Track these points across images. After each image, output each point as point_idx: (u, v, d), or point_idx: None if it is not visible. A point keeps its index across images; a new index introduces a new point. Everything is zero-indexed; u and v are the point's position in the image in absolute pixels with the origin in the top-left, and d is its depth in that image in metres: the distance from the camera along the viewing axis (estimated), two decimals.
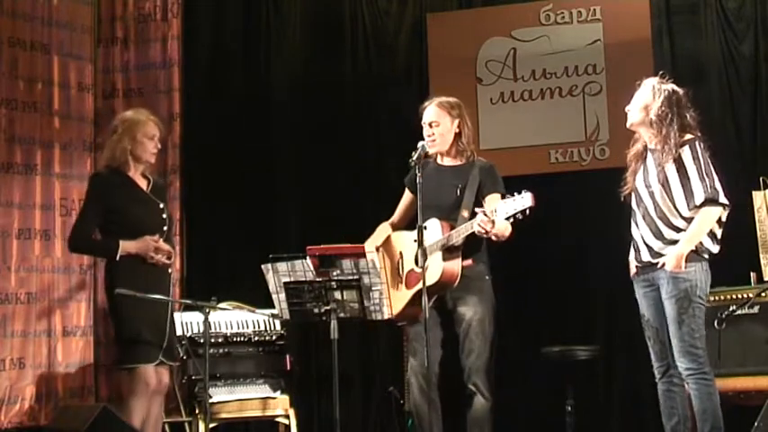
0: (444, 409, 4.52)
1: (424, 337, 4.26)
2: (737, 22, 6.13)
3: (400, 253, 4.56)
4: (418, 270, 4.37)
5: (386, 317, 4.25)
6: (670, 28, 6.23)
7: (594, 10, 6.36)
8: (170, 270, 4.65)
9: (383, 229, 4.79)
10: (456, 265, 4.42)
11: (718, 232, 4.22)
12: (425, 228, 4.31)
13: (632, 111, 4.34)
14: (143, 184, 4.67)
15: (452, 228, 4.44)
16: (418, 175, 4.30)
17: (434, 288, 4.37)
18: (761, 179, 5.32)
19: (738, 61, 6.10)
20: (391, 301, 4.29)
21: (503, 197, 4.47)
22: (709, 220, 4.14)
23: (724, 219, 4.21)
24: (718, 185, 4.15)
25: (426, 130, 4.62)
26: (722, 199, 4.14)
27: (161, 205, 4.68)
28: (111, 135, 4.69)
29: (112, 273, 4.56)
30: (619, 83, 6.14)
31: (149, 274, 4.52)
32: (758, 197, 5.30)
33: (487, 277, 4.54)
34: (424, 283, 4.19)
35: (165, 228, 4.65)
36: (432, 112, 4.63)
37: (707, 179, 4.13)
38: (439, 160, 4.67)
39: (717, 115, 6.04)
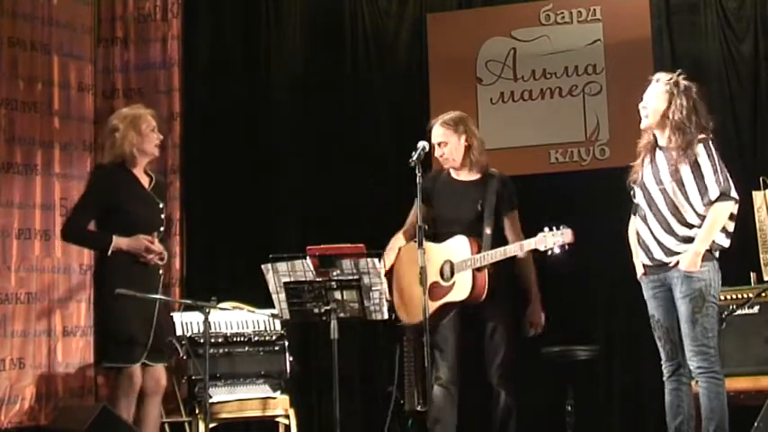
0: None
1: (444, 332, 4.47)
2: (737, 22, 6.12)
3: None
4: (444, 283, 4.50)
5: (386, 317, 4.27)
6: (670, 28, 6.23)
7: (594, 10, 6.36)
8: (161, 272, 4.61)
9: (396, 241, 4.86)
10: (484, 282, 4.52)
11: (730, 226, 4.21)
12: (418, 234, 4.34)
13: (649, 113, 4.27)
14: (145, 181, 4.64)
15: (479, 245, 4.55)
16: (418, 175, 4.32)
17: (461, 303, 4.51)
18: (761, 179, 5.32)
19: (738, 61, 6.10)
20: (413, 309, 4.36)
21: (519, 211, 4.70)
22: (723, 215, 4.13)
23: (735, 212, 4.21)
24: (729, 180, 4.15)
25: (437, 151, 4.73)
26: (733, 193, 4.14)
27: (161, 205, 4.65)
28: (111, 134, 4.62)
29: (102, 270, 4.56)
30: (619, 83, 6.15)
31: (141, 273, 4.48)
32: (758, 197, 5.30)
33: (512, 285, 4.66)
34: (425, 285, 4.20)
35: (162, 228, 4.63)
36: (438, 132, 4.74)
37: (720, 174, 4.13)
38: (454, 174, 4.75)
39: (717, 115, 5.98)
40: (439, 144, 4.71)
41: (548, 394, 5.81)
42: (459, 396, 4.68)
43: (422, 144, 4.50)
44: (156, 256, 4.50)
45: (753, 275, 5.16)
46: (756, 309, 4.96)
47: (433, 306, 4.48)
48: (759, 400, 4.26)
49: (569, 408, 5.51)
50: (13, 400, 6.01)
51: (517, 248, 4.49)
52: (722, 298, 4.92)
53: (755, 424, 3.96)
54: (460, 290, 4.50)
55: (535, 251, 4.49)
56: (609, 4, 6.34)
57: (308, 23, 6.81)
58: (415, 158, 4.41)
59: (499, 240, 4.63)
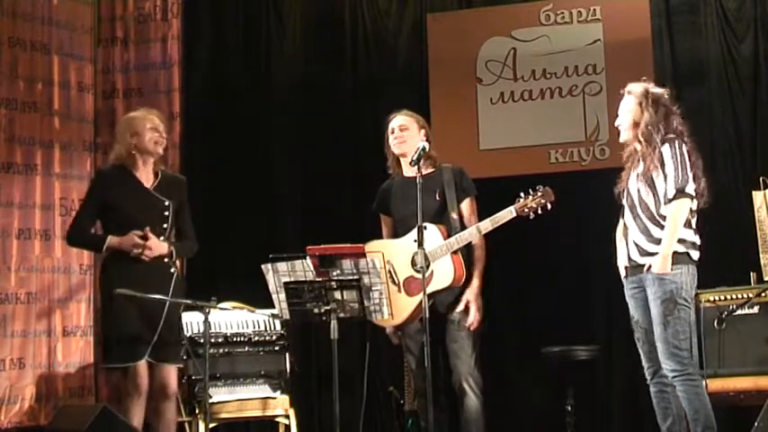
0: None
1: (419, 339, 4.38)
2: (737, 22, 6.12)
3: (387, 261, 4.50)
4: (420, 275, 4.39)
5: (386, 317, 4.26)
6: (670, 28, 6.23)
7: (594, 10, 6.36)
8: (172, 270, 4.61)
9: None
10: (462, 266, 4.50)
11: (693, 221, 4.25)
12: (425, 227, 4.33)
13: (622, 128, 4.37)
14: (149, 180, 4.65)
15: (447, 229, 4.51)
16: (418, 175, 4.32)
17: (444, 290, 4.46)
18: (761, 179, 5.32)
19: (738, 61, 6.10)
20: (392, 310, 4.31)
21: (476, 200, 4.65)
22: (681, 212, 4.16)
23: (694, 208, 4.24)
24: (689, 177, 4.18)
25: (396, 134, 4.72)
26: (689, 189, 4.17)
27: (166, 203, 4.63)
28: (115, 137, 4.75)
29: (104, 270, 4.60)
30: (619, 83, 6.07)
31: (146, 273, 4.48)
32: (758, 197, 5.30)
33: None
34: (423, 281, 4.20)
35: (166, 225, 4.61)
36: (400, 118, 4.77)
37: (680, 172, 4.17)
38: (407, 173, 4.70)
39: (717, 115, 6.05)
40: (401, 128, 4.72)
41: (548, 394, 5.82)
42: (447, 400, 4.64)
43: (421, 144, 4.51)
44: (147, 251, 4.46)
45: (753, 275, 5.16)
46: (756, 309, 4.96)
47: (414, 301, 4.45)
48: (759, 400, 4.26)
49: (569, 408, 5.51)
50: (13, 400, 6.01)
51: (488, 224, 4.45)
52: (722, 298, 4.95)
53: (756, 424, 3.97)
54: (442, 276, 4.45)
55: (517, 218, 4.46)
56: (609, 4, 6.35)
57: (308, 23, 6.81)
58: (414, 158, 4.42)
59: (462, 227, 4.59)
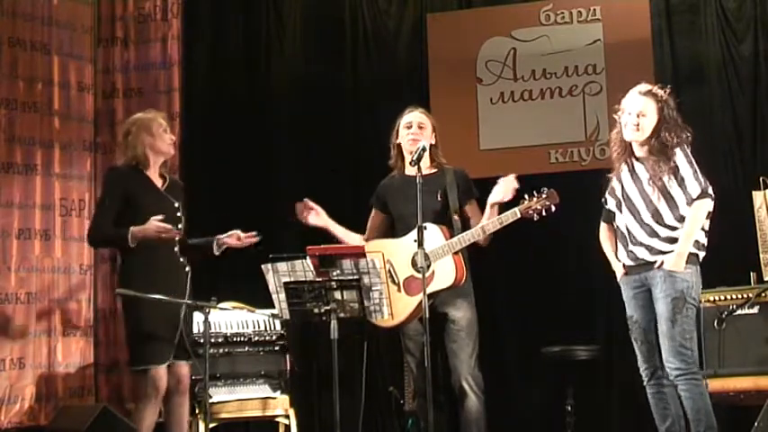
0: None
1: (418, 339, 4.40)
2: (737, 22, 6.13)
3: (387, 261, 4.50)
4: (420, 275, 4.37)
5: (386, 317, 4.26)
6: (670, 28, 6.23)
7: (594, 10, 6.37)
8: (187, 269, 4.62)
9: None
10: (463, 267, 4.50)
11: (706, 224, 4.27)
12: (425, 227, 4.33)
13: (644, 127, 4.26)
14: (159, 182, 4.68)
15: (450, 230, 4.50)
16: (418, 175, 4.32)
17: (445, 290, 4.46)
18: (761, 179, 5.32)
19: (738, 61, 6.10)
20: (392, 310, 4.31)
21: (477, 201, 4.66)
22: (703, 212, 4.19)
23: (711, 210, 4.25)
24: (706, 179, 4.22)
25: (413, 129, 4.69)
26: (710, 191, 4.21)
27: (176, 204, 4.67)
28: (124, 138, 4.69)
29: (124, 273, 4.58)
30: (619, 83, 6.12)
31: (165, 274, 4.51)
32: (758, 197, 5.31)
33: (470, 281, 4.62)
34: (423, 282, 4.20)
35: (180, 226, 4.64)
36: (420, 116, 4.76)
37: (699, 175, 4.20)
38: (408, 171, 4.70)
39: (717, 115, 6.05)
40: (420, 125, 4.70)
41: (548, 394, 5.82)
42: (447, 400, 4.65)
43: (421, 144, 4.51)
44: (168, 231, 4.46)
45: (753, 275, 5.16)
46: (756, 309, 4.96)
47: (414, 301, 4.45)
48: (759, 400, 4.27)
49: (569, 408, 5.51)
50: (13, 400, 6.02)
51: (496, 223, 4.44)
52: (722, 298, 4.95)
53: (756, 424, 3.97)
54: (444, 277, 4.45)
55: (521, 220, 4.45)
56: (609, 4, 6.35)
57: (308, 23, 6.81)
58: (414, 158, 4.42)
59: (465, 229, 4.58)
